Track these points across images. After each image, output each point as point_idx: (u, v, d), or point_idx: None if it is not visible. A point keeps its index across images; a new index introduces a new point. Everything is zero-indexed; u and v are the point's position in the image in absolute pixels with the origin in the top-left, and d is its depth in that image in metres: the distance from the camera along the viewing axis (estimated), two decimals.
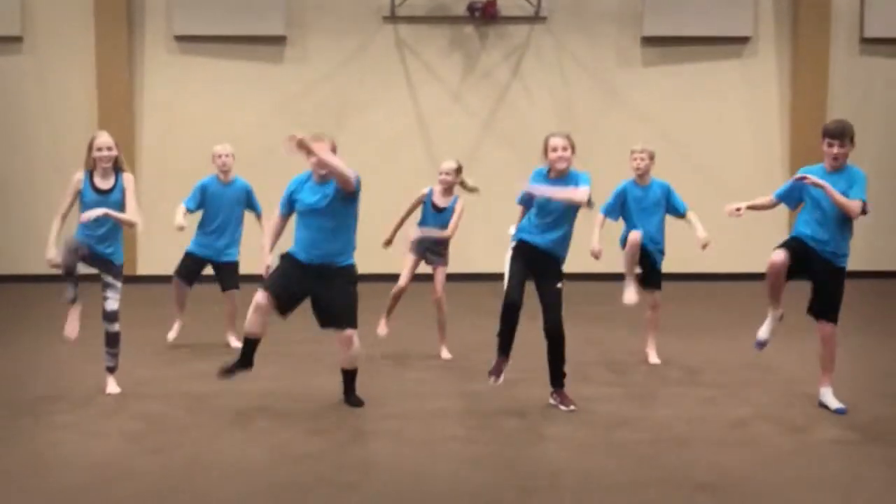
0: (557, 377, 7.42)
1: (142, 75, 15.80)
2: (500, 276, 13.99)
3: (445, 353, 9.28)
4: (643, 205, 8.89)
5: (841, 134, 7.01)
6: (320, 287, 7.25)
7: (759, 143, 16.17)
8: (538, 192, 7.24)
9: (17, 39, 15.63)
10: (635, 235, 8.75)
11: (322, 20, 15.87)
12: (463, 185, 9.10)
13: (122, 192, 7.66)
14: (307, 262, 7.26)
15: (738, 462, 6.07)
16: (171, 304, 9.96)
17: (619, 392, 7.94)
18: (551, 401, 7.45)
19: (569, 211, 7.26)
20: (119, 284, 7.73)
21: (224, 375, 7.40)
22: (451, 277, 9.33)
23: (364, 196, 7.42)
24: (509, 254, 7.50)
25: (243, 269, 9.88)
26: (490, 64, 16.07)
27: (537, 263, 7.33)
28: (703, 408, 7.42)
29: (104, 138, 7.67)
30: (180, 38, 15.75)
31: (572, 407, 7.30)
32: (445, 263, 9.19)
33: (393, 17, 15.78)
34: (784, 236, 15.42)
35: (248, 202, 9.88)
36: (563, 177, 7.28)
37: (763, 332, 7.50)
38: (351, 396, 7.54)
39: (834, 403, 7.26)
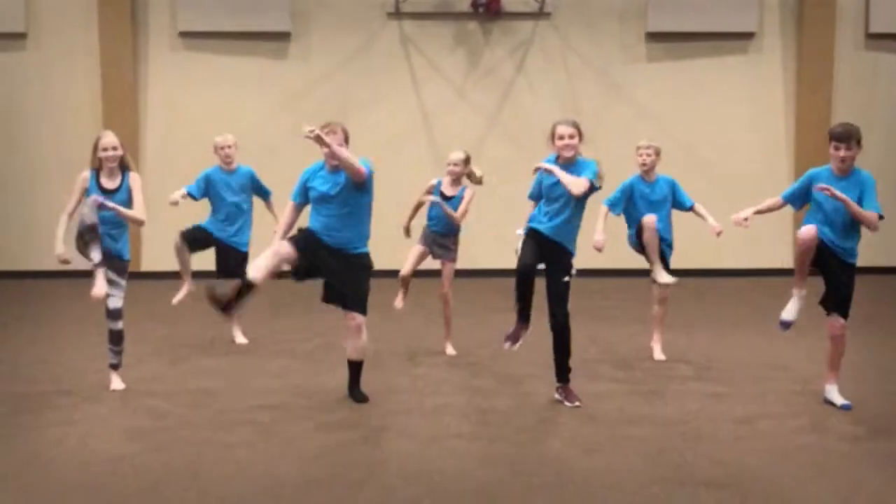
0: (563, 372, 7.41)
1: (146, 72, 15.78)
2: (503, 273, 13.99)
3: (450, 350, 9.26)
4: (650, 200, 8.87)
5: (848, 137, 6.98)
6: (336, 266, 7.25)
7: (763, 139, 16.13)
8: (546, 169, 7.24)
9: (21, 36, 15.62)
10: (650, 218, 8.69)
11: (326, 16, 15.85)
12: (470, 176, 9.09)
13: (128, 191, 7.66)
14: (325, 242, 7.28)
15: (743, 459, 6.06)
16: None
17: (624, 388, 7.93)
18: (556, 396, 7.44)
19: (573, 198, 7.24)
20: (124, 282, 7.73)
21: (210, 299, 7.00)
22: (454, 274, 9.31)
23: None
24: (519, 244, 7.46)
25: None
26: (494, 60, 16.05)
27: (546, 253, 7.31)
28: (709, 404, 7.40)
29: (109, 138, 7.66)
30: (184, 35, 15.73)
31: (577, 403, 7.29)
32: (453, 259, 9.16)
33: (397, 14, 15.76)
34: (789, 234, 15.47)
35: (255, 187, 9.84)
36: (570, 164, 7.29)
37: (789, 313, 7.38)
38: (355, 391, 7.54)
39: (839, 400, 7.26)
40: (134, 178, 7.71)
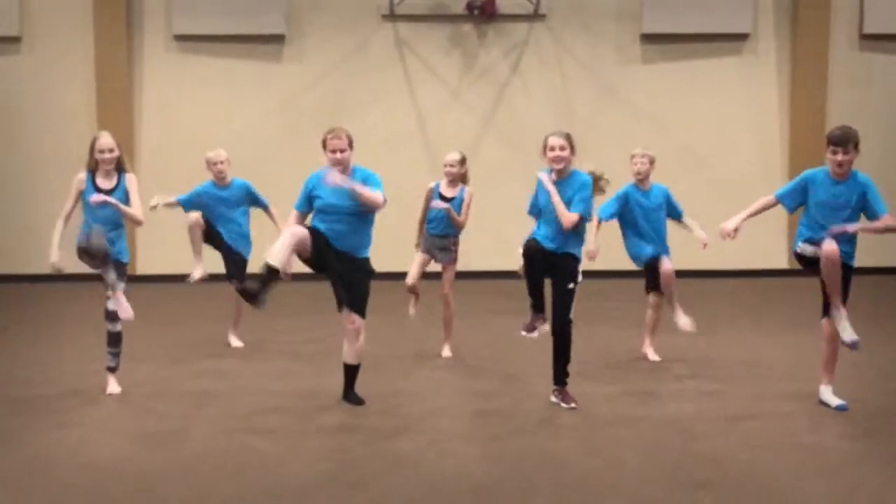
0: (560, 375, 7.43)
1: (141, 74, 15.80)
2: (499, 275, 14.01)
3: (446, 352, 9.28)
4: (647, 209, 8.88)
5: (845, 141, 6.92)
6: (340, 268, 7.24)
7: (758, 140, 16.18)
8: (552, 196, 7.20)
9: (16, 39, 15.63)
10: (667, 269, 8.73)
11: (321, 19, 15.88)
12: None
13: (125, 192, 7.66)
14: (331, 245, 7.27)
15: (739, 459, 6.07)
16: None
17: (621, 389, 7.95)
18: (552, 398, 7.46)
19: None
20: (123, 284, 7.73)
21: (241, 293, 7.17)
22: (454, 276, 9.32)
23: None
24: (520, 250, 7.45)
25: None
26: (489, 62, 16.08)
27: (552, 260, 7.29)
28: (705, 404, 7.42)
29: (106, 140, 7.66)
30: (179, 38, 15.75)
31: (573, 405, 7.31)
32: (454, 261, 9.18)
33: (392, 16, 15.79)
34: (783, 234, 15.52)
35: (251, 199, 9.83)
36: (564, 178, 7.29)
37: (849, 332, 7.03)
38: (351, 394, 7.55)
39: (834, 401, 7.27)
40: (130, 179, 7.71)
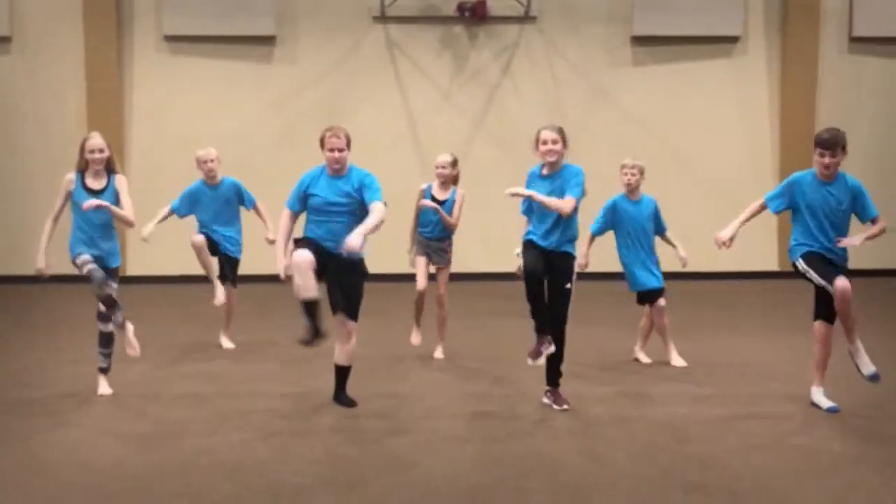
0: (553, 377, 7.42)
1: (131, 75, 15.76)
2: (492, 276, 14.03)
3: (439, 353, 9.27)
4: (636, 219, 8.88)
5: (834, 144, 6.99)
6: (337, 270, 7.22)
7: (748, 142, 16.22)
8: (534, 198, 7.18)
9: (6, 40, 15.58)
10: (661, 305, 8.83)
11: (312, 20, 15.86)
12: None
13: (114, 192, 7.62)
14: (325, 248, 7.24)
15: (733, 461, 6.08)
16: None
17: (613, 391, 7.96)
18: (545, 400, 7.46)
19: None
20: (115, 285, 7.71)
21: (301, 341, 7.18)
22: (448, 278, 9.35)
23: None
24: (520, 264, 7.41)
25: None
26: (480, 63, 16.09)
27: (549, 260, 7.25)
28: (697, 407, 7.43)
29: (96, 140, 7.63)
30: (170, 38, 15.72)
31: (565, 406, 7.31)
32: (448, 263, 9.23)
33: (383, 17, 15.78)
34: (774, 235, 15.54)
35: (240, 197, 9.84)
36: (555, 171, 7.27)
37: (868, 366, 7.13)
38: (342, 396, 7.54)
39: (826, 402, 7.29)
40: (120, 180, 7.68)
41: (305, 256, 6.89)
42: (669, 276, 9.11)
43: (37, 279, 7.77)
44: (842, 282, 6.89)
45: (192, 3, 15.54)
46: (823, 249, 7.12)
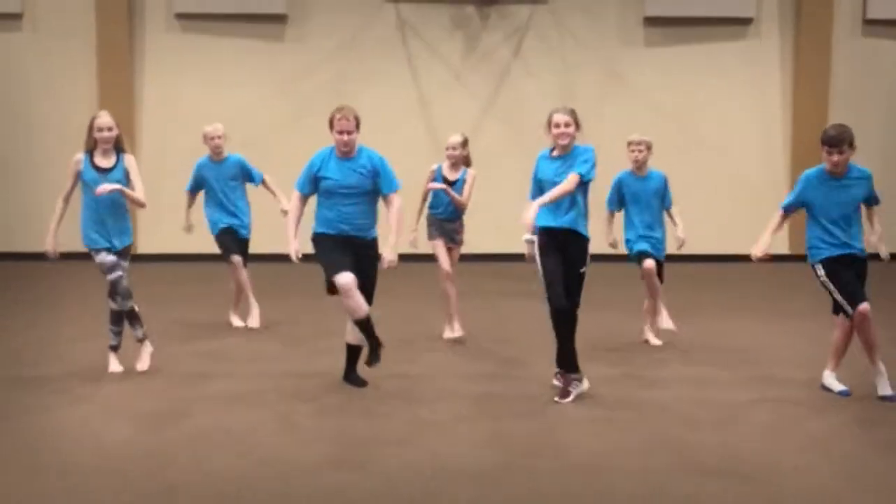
0: (564, 359, 7.37)
1: (142, 52, 15.74)
2: (502, 257, 14.00)
3: (448, 333, 9.21)
4: (641, 196, 8.85)
5: (839, 141, 6.99)
6: (354, 254, 7.23)
7: (761, 125, 16.15)
8: (543, 203, 7.02)
9: (17, 16, 15.57)
10: (648, 266, 8.77)
11: None
12: None
13: (124, 171, 7.61)
14: (337, 235, 7.25)
15: (743, 445, 6.07)
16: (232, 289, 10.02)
17: (624, 373, 7.95)
18: (555, 381, 7.43)
19: (574, 191, 7.17)
20: (126, 264, 7.71)
21: (372, 364, 7.34)
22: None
23: None
24: (536, 251, 7.33)
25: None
26: (491, 44, 16.02)
27: (562, 244, 7.15)
28: (707, 390, 7.42)
29: (105, 119, 7.62)
30: (181, 16, 15.69)
31: (567, 399, 7.20)
32: (460, 244, 9.27)
33: None
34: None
35: (246, 174, 9.82)
36: (566, 153, 7.21)
37: (886, 388, 7.11)
38: (353, 376, 7.54)
39: (837, 386, 7.28)
40: (130, 160, 7.67)
41: (348, 278, 7.00)
42: (677, 258, 9.06)
43: (44, 256, 7.79)
44: (863, 307, 6.94)
45: None
46: (840, 245, 7.11)
